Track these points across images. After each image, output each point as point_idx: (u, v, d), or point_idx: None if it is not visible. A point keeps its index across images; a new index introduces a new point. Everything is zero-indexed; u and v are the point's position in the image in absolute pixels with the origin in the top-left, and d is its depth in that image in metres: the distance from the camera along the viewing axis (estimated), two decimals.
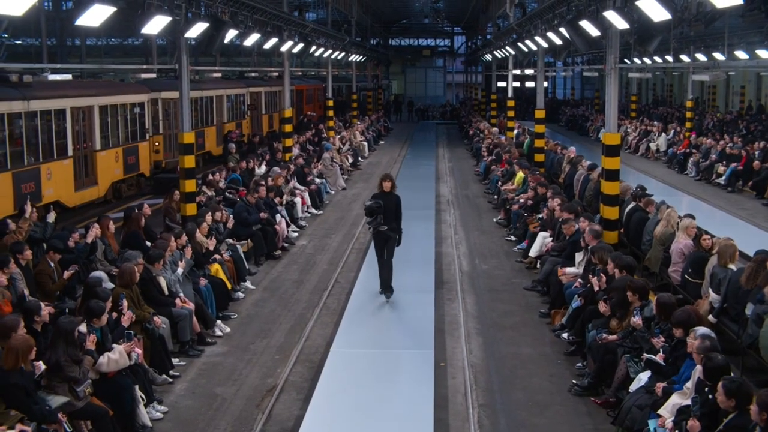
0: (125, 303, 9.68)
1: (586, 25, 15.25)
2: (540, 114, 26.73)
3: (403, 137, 46.15)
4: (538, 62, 25.93)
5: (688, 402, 7.54)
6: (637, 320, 9.43)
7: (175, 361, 10.78)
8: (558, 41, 19.65)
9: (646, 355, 8.65)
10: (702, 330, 8.15)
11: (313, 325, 12.48)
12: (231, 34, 17.21)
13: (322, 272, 15.71)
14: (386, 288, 13.43)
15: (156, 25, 13.25)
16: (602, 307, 10.16)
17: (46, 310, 8.96)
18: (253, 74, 36.57)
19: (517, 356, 11.30)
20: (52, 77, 18.43)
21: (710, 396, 7.18)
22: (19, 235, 12.24)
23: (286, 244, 17.51)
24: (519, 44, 26.09)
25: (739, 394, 6.77)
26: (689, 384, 7.91)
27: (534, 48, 24.43)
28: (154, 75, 23.93)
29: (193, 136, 16.55)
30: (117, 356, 8.62)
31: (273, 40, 22.40)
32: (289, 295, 14.19)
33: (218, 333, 11.98)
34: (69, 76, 18.47)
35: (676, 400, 7.86)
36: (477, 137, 37.48)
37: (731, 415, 6.83)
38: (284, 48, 24.36)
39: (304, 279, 15.21)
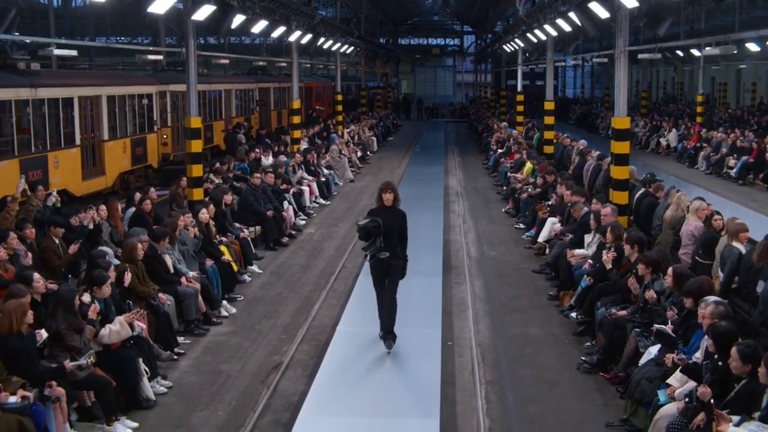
0: (128, 274, 9.62)
1: (595, 7, 15.12)
2: (549, 105, 26.61)
3: (412, 134, 46.06)
4: (548, 53, 25.80)
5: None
6: (651, 293, 9.27)
7: (180, 339, 10.71)
8: (567, 27, 19.52)
9: (656, 326, 8.51)
10: (714, 298, 8.04)
11: (320, 307, 12.39)
12: (238, 20, 17.12)
13: (330, 258, 15.62)
14: (387, 333, 10.22)
15: (162, 4, 13.17)
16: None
17: (41, 280, 8.87)
18: (261, 63, 36.43)
19: (525, 336, 11.19)
20: (57, 52, 18.29)
21: (720, 363, 7.07)
22: (9, 214, 12.17)
23: (293, 232, 17.44)
24: (528, 35, 25.94)
25: (754, 358, 6.66)
26: (698, 354, 7.80)
27: (543, 37, 24.28)
28: (160, 57, 23.85)
29: (199, 120, 16.51)
30: (117, 327, 8.54)
31: (281, 29, 22.32)
32: (296, 279, 14.11)
33: (224, 313, 11.90)
34: (74, 53, 18.30)
35: None
36: (486, 132, 37.36)
37: (743, 380, 6.72)
38: (292, 38, 24.30)
39: (311, 264, 15.12)
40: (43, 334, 7.84)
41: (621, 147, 15.38)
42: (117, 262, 10.58)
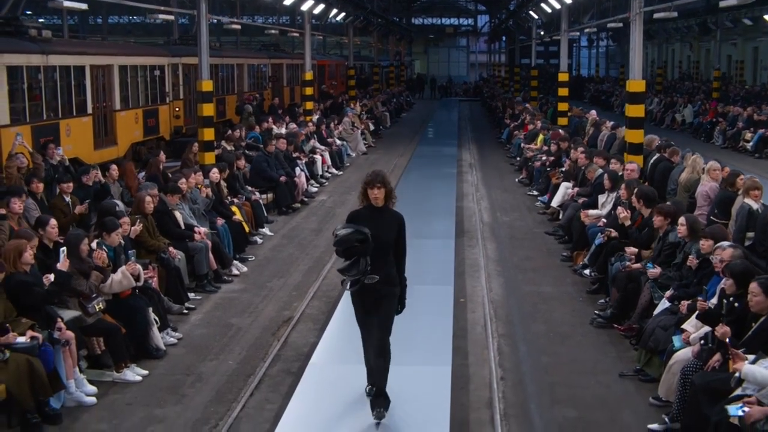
0: (138, 225, 9.58)
1: None
2: (563, 77, 26.41)
3: (425, 112, 45.89)
4: (562, 24, 25.58)
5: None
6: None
7: (191, 296, 10.68)
8: None
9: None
10: (729, 242, 7.93)
11: (331, 267, 12.29)
12: None
13: (342, 222, 15.51)
14: (378, 395, 7.20)
15: None
16: (621, 211, 9.81)
17: (55, 227, 8.82)
18: (273, 41, 36.33)
19: (538, 294, 11.10)
20: (67, 4, 18.09)
21: (736, 304, 6.97)
22: (8, 171, 12.14)
23: (305, 198, 17.40)
24: (543, 5, 25.72)
25: None
26: (714, 301, 7.68)
27: (558, 6, 24.06)
28: (172, 17, 23.72)
29: (211, 84, 16.43)
30: (120, 276, 8.48)
31: None
32: (307, 241, 14.05)
33: (235, 272, 11.86)
34: (85, 6, 18.12)
35: None
36: (498, 109, 37.18)
37: (762, 318, 6.61)
38: (305, 7, 24.15)
39: (323, 228, 15.05)
40: (51, 277, 7.79)
41: (635, 110, 15.24)
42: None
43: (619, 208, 10.98)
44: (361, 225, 6.84)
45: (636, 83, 15.25)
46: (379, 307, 7.13)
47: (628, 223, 10.76)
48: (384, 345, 7.18)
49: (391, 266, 7.14)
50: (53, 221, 8.82)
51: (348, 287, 7.05)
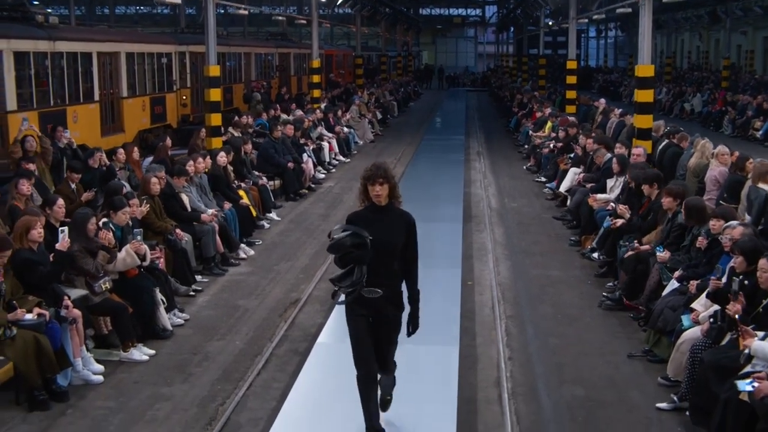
0: (145, 205, 9.58)
1: None
2: (572, 65, 26.31)
3: (433, 101, 45.81)
4: (570, 11, 25.47)
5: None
6: (701, 239, 8.92)
7: (198, 278, 10.66)
8: None
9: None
10: (739, 221, 7.89)
11: None
12: None
13: (349, 208, 15.27)
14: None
15: None
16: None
17: (63, 206, 8.82)
18: (280, 18, 36.23)
19: (546, 277, 11.06)
20: None
21: (746, 282, 6.91)
22: (12, 157, 12.17)
23: (312, 185, 17.38)
24: None
25: None
26: (724, 280, 7.62)
27: None
28: (179, 1, 23.68)
29: (218, 69, 16.43)
30: (123, 254, 8.45)
31: None
32: (315, 226, 14.03)
33: (242, 255, 11.85)
34: None
35: None
36: (506, 98, 37.10)
37: None
38: None
39: (330, 213, 15.04)
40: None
41: (644, 95, 15.17)
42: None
43: (619, 206, 10.88)
44: (359, 229, 5.80)
45: (645, 68, 15.18)
46: (382, 330, 6.07)
47: (627, 216, 10.68)
48: (389, 369, 6.35)
49: (397, 280, 6.03)
50: (60, 201, 8.83)
51: (338, 300, 5.98)
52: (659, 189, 10.32)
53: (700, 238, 8.50)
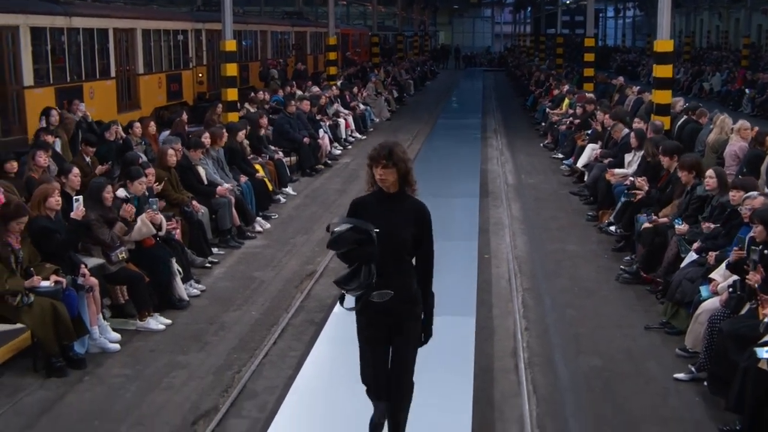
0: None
1: None
2: (590, 42, 26.13)
3: (449, 81, 45.63)
4: None
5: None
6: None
7: (214, 251, 10.67)
8: None
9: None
10: (758, 192, 7.81)
11: None
12: None
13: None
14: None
15: None
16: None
17: (78, 175, 8.83)
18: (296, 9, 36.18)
19: (563, 251, 11.01)
20: None
21: (765, 251, 6.84)
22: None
23: (329, 161, 17.34)
24: None
25: None
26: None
27: None
28: None
29: (234, 44, 16.38)
30: (140, 224, 8.44)
31: None
32: (331, 201, 14.02)
33: (258, 229, 11.85)
34: None
35: None
36: (523, 76, 36.91)
37: None
38: None
39: (347, 189, 15.02)
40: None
41: (663, 71, 14.97)
42: None
43: (638, 179, 10.79)
44: (364, 219, 5.05)
45: (664, 43, 14.99)
46: (394, 335, 5.27)
47: (646, 188, 10.60)
48: (403, 383, 5.34)
49: (410, 277, 5.26)
50: (75, 170, 8.83)
51: (347, 306, 5.19)
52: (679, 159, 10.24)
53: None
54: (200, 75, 25.29)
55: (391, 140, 5.34)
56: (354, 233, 4.90)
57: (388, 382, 5.30)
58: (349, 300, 5.12)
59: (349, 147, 19.87)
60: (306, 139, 16.15)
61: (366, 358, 5.32)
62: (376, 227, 4.95)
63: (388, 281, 5.10)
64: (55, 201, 7.67)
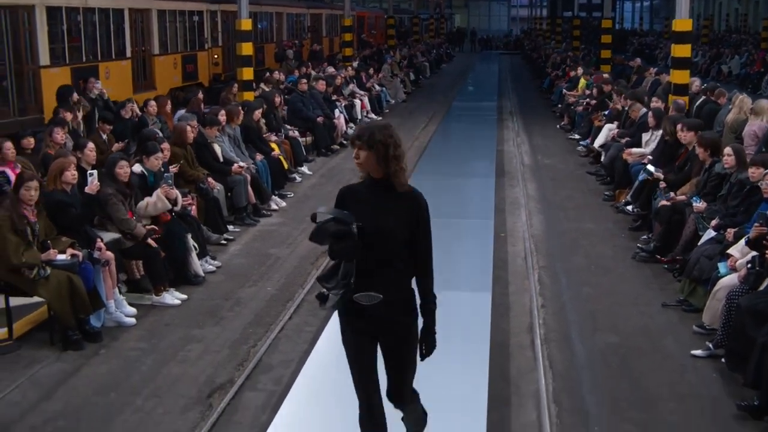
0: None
1: None
2: (607, 23, 25.94)
3: (465, 64, 45.44)
4: None
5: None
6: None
7: (230, 228, 10.68)
8: None
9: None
10: None
11: None
12: None
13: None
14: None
15: None
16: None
17: (93, 150, 8.84)
18: None
19: (579, 230, 10.96)
20: None
21: None
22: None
23: (344, 141, 17.30)
24: None
25: None
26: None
27: None
28: None
29: (250, 23, 16.34)
30: (155, 199, 8.44)
31: None
32: (346, 180, 13.89)
33: (273, 207, 11.85)
34: None
35: None
36: (540, 59, 36.72)
37: None
38: None
39: None
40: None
41: (681, 50, 14.84)
42: None
43: (655, 173, 10.65)
44: (351, 209, 4.46)
45: (683, 22, 14.83)
46: (384, 347, 4.69)
47: (662, 177, 10.48)
48: (404, 397, 4.81)
49: (405, 279, 4.59)
50: (91, 144, 8.85)
51: (327, 305, 4.53)
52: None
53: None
54: (216, 56, 25.27)
55: (383, 122, 4.86)
56: (334, 225, 4.36)
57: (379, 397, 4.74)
58: (333, 299, 4.50)
59: None
60: (319, 119, 16.11)
61: (352, 364, 4.72)
62: (363, 219, 4.39)
63: (377, 283, 4.47)
64: (71, 175, 7.67)
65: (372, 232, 4.40)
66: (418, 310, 4.62)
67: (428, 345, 4.64)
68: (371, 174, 4.50)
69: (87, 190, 7.80)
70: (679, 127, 10.46)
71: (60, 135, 10.00)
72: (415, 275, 4.62)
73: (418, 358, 4.69)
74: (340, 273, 4.43)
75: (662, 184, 10.02)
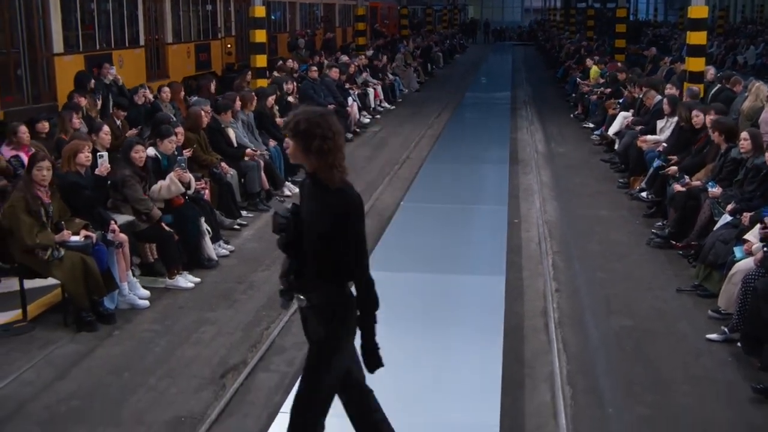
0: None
1: None
2: (621, 13, 25.80)
3: (478, 54, 45.27)
4: None
5: None
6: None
7: (243, 213, 10.69)
8: None
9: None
10: None
11: (384, 188, 12.26)
12: None
13: (394, 150, 15.44)
14: None
15: None
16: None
17: (109, 133, 8.86)
18: None
19: (594, 217, 10.91)
20: None
21: None
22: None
23: (357, 129, 17.29)
24: None
25: None
26: None
27: None
28: None
29: (263, 10, 16.35)
30: (168, 182, 8.44)
31: None
32: (360, 167, 13.94)
33: (287, 193, 11.84)
34: None
35: None
36: (554, 49, 36.57)
37: None
38: None
39: (375, 155, 14.98)
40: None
41: (697, 37, 14.74)
42: None
43: (669, 168, 10.57)
44: (300, 202, 4.25)
45: (698, 9, 14.73)
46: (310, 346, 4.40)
47: (673, 171, 10.41)
48: (295, 401, 4.42)
49: (325, 283, 4.19)
50: (106, 128, 8.86)
51: (281, 302, 4.42)
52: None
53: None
54: (229, 45, 25.26)
55: (320, 109, 4.19)
56: (277, 217, 4.20)
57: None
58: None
59: (378, 117, 19.80)
60: (330, 106, 16.08)
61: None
62: (299, 213, 4.18)
63: (304, 284, 4.22)
64: (85, 157, 7.68)
65: (306, 227, 4.14)
66: (343, 320, 4.24)
67: (368, 363, 4.25)
68: (304, 167, 4.18)
69: (97, 171, 7.82)
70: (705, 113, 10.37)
71: (75, 120, 10.00)
72: (341, 277, 4.19)
73: (328, 378, 4.30)
74: (283, 266, 4.29)
75: (671, 170, 9.98)
